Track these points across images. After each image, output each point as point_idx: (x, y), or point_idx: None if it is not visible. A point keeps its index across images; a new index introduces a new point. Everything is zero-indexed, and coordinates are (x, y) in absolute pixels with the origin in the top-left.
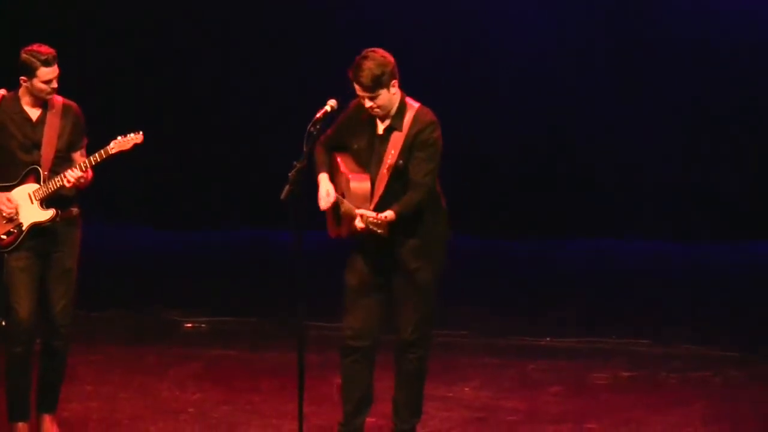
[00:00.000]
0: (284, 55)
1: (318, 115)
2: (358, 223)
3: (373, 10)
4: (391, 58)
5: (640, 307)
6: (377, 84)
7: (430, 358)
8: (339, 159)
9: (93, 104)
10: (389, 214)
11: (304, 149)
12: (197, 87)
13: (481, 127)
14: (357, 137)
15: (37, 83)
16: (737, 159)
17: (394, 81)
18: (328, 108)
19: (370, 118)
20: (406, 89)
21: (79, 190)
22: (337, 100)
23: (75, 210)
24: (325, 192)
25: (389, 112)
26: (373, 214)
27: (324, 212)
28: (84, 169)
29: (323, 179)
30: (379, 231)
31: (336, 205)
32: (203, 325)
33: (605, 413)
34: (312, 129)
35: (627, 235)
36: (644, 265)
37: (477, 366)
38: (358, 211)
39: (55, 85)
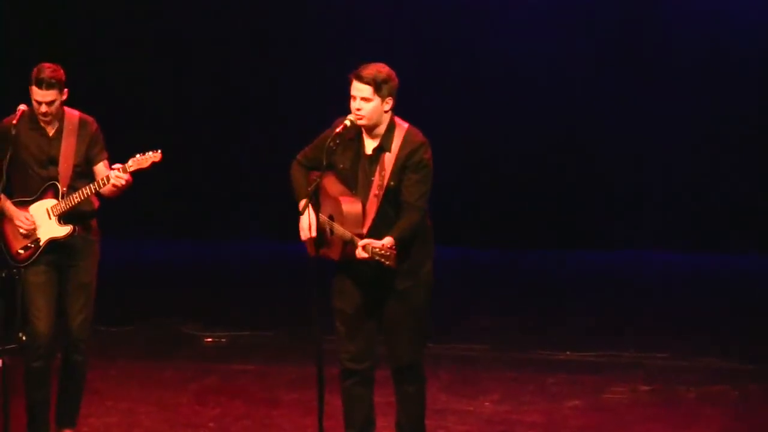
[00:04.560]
0: (300, 65)
1: (338, 130)
2: (362, 254)
3: (383, 18)
4: (396, 78)
5: (658, 319)
6: (376, 85)
7: (449, 371)
8: (325, 180)
9: (110, 115)
10: (388, 240)
11: (324, 163)
12: (209, 97)
13: (496, 141)
14: (342, 157)
15: (32, 98)
16: (754, 168)
17: (390, 98)
18: (347, 123)
19: (356, 137)
20: (414, 98)
21: (96, 206)
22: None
23: (93, 224)
24: (307, 224)
25: (374, 126)
26: (380, 244)
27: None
28: (101, 186)
29: (303, 206)
30: (387, 263)
31: (321, 228)
32: (222, 339)
33: (623, 427)
34: (332, 144)
35: (644, 246)
36: (661, 277)
37: (496, 380)
38: (362, 242)
39: (44, 109)
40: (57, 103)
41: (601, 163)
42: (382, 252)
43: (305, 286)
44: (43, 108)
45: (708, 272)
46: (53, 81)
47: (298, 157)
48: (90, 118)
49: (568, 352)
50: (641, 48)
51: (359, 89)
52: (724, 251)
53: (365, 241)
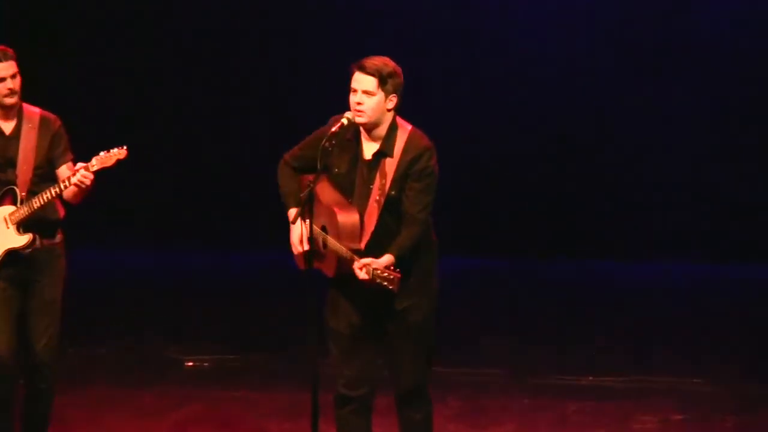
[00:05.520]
0: (292, 64)
1: (334, 129)
2: (362, 275)
3: (382, 19)
4: (402, 76)
5: (689, 339)
6: (381, 78)
7: (458, 398)
8: (318, 185)
9: (79, 115)
10: (388, 258)
11: (318, 167)
12: (197, 97)
13: (506, 147)
14: (338, 160)
15: None
16: None
17: (394, 96)
18: (344, 121)
19: (354, 139)
20: (413, 100)
21: (61, 214)
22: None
23: (58, 234)
24: (299, 239)
25: (374, 127)
26: (381, 265)
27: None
28: (63, 189)
29: (294, 216)
30: (389, 287)
31: (314, 239)
32: (206, 364)
33: None
34: (327, 144)
35: (671, 258)
36: (692, 292)
37: (511, 408)
38: (362, 261)
39: (10, 85)
40: (19, 79)
41: (621, 174)
42: (385, 275)
43: (299, 302)
44: (9, 83)
45: (736, 285)
46: (8, 53)
47: (286, 157)
48: (52, 116)
49: (590, 377)
50: (648, 44)
51: (361, 81)
52: (750, 261)
53: (366, 260)
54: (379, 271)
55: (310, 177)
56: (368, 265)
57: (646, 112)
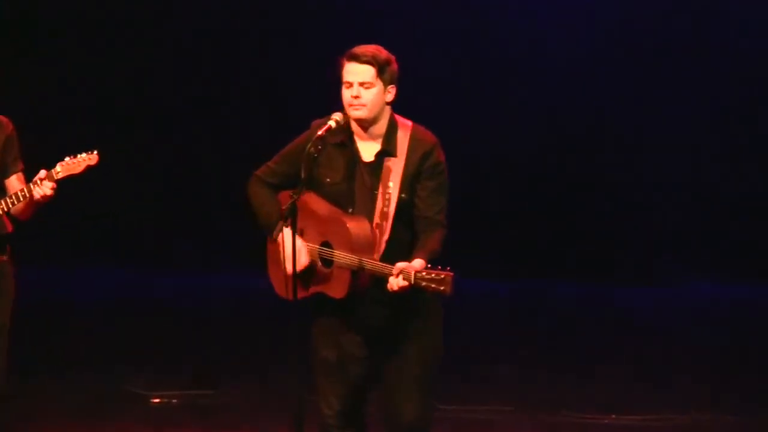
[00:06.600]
0: (292, 64)
1: (321, 132)
2: (399, 282)
3: (379, 15)
4: (396, 63)
5: (719, 370)
6: (379, 67)
7: None
8: (305, 198)
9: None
10: (421, 262)
11: (302, 175)
12: (195, 97)
13: (506, 147)
14: (328, 169)
15: None
16: None
17: (392, 87)
18: (332, 123)
19: (348, 141)
20: (413, 100)
21: (9, 229)
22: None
23: (7, 251)
24: (290, 255)
25: (372, 123)
26: (417, 266)
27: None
28: (20, 200)
29: (287, 235)
30: (442, 289)
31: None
32: (174, 400)
33: None
34: (313, 149)
35: (694, 280)
36: (715, 316)
37: None
38: (399, 265)
39: None
40: None
41: (621, 174)
42: (432, 276)
43: (280, 329)
44: None
45: (754, 305)
46: None
47: (258, 172)
48: (4, 118)
49: (613, 415)
50: (651, 47)
51: (357, 72)
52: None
53: (401, 265)
54: (423, 274)
55: (291, 191)
56: (405, 269)
57: (646, 112)
